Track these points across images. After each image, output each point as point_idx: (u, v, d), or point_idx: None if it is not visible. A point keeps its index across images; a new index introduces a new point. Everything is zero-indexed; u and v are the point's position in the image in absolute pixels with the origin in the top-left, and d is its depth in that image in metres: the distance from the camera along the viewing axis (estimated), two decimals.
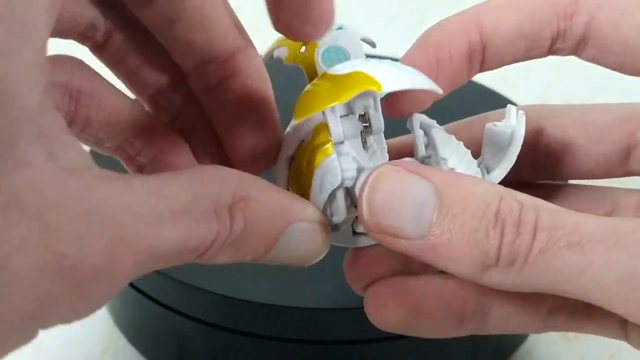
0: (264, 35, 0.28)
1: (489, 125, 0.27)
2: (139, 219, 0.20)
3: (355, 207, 0.25)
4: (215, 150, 0.28)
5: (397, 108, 0.27)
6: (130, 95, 0.28)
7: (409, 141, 0.28)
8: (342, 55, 0.26)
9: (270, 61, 0.28)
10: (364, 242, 0.27)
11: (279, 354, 0.36)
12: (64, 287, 0.19)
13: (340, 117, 0.25)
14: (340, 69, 0.25)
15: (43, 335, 0.19)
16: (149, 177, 0.21)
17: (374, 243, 0.26)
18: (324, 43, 0.26)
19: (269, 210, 0.23)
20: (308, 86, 0.26)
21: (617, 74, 0.29)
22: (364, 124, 0.25)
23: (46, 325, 0.19)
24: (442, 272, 0.25)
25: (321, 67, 0.26)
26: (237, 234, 0.22)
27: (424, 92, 0.26)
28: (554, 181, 0.31)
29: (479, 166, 0.27)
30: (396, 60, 0.27)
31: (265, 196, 0.23)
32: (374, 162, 0.25)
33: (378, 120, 0.25)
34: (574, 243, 0.22)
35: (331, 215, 0.25)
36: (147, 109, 0.29)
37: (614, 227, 0.23)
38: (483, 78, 0.36)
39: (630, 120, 0.30)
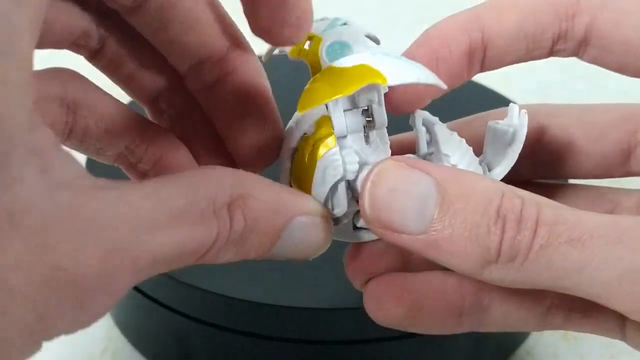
0: None
1: (491, 123, 0.27)
2: (135, 226, 0.20)
3: (357, 201, 0.25)
4: (217, 150, 0.28)
5: (398, 104, 0.27)
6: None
7: (411, 138, 0.28)
8: (346, 49, 0.26)
9: (273, 58, 0.28)
10: (364, 237, 0.27)
11: (279, 354, 0.36)
12: (63, 301, 0.19)
13: (344, 111, 0.25)
14: (345, 62, 0.25)
15: None
16: (144, 183, 0.21)
17: (374, 238, 0.26)
18: (328, 38, 0.26)
19: (269, 207, 0.23)
20: (312, 79, 0.26)
21: (617, 74, 0.29)
22: (367, 119, 0.25)
23: (49, 337, 0.19)
24: (442, 268, 0.25)
25: (325, 61, 0.26)
26: (238, 232, 0.22)
27: (427, 87, 0.26)
28: (554, 180, 0.31)
29: (480, 164, 0.27)
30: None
31: (263, 193, 0.23)
32: (376, 156, 0.25)
33: (381, 114, 0.25)
34: (575, 239, 0.22)
35: (332, 209, 0.25)
36: (147, 113, 0.29)
37: (616, 223, 0.23)
38: (483, 78, 0.36)
39: (629, 120, 0.30)
